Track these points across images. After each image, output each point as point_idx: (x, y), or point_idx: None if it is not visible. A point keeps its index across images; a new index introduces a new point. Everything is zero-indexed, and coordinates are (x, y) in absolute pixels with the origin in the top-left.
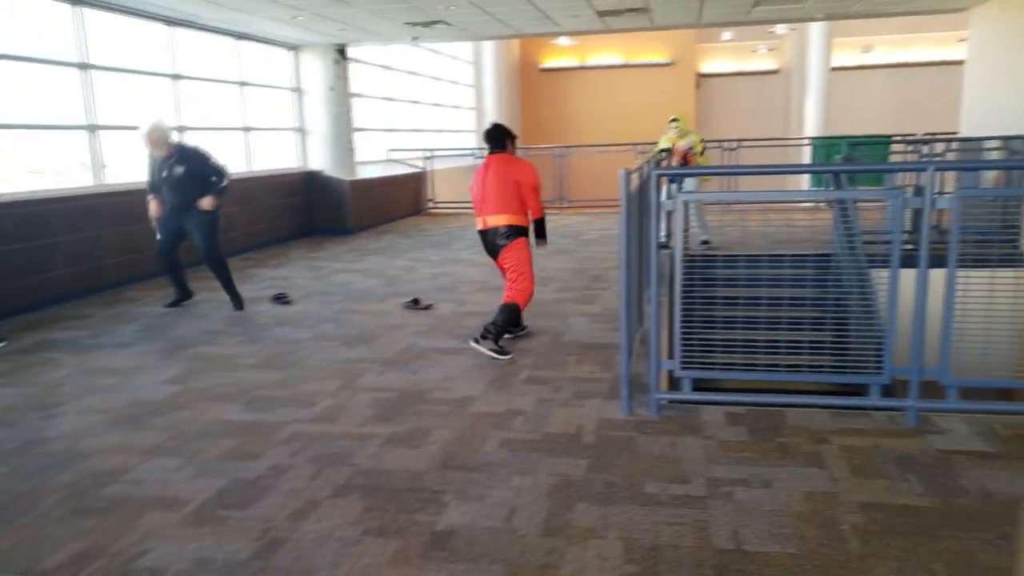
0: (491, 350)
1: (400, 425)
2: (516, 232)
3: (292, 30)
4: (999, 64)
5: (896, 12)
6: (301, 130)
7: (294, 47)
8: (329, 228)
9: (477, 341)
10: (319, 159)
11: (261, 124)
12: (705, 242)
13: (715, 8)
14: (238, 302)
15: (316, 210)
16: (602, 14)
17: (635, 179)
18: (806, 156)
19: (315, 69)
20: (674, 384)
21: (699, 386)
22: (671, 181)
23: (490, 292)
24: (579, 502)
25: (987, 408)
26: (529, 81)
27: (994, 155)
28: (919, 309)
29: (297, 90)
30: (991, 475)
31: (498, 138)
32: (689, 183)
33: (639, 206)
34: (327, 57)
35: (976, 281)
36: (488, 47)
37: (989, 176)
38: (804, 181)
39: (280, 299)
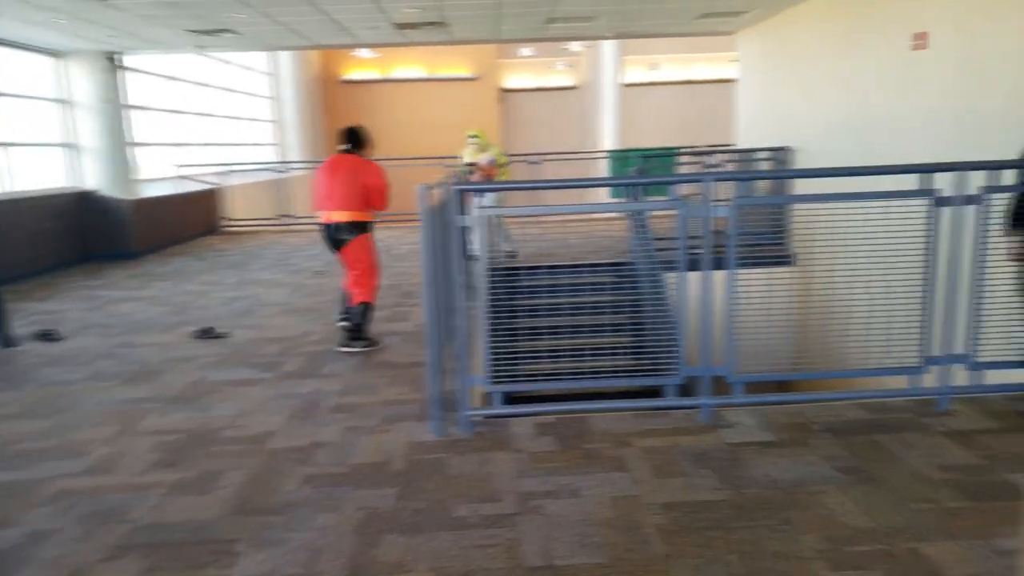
0: (363, 347)
1: (187, 470)
2: (358, 227)
3: (54, 35)
4: (764, 82)
5: (674, 33)
6: (71, 146)
7: (59, 54)
8: (109, 253)
9: (345, 346)
10: (94, 177)
11: (22, 139)
12: (511, 254)
13: (512, 24)
14: (3, 339)
15: (92, 233)
16: (400, 27)
17: (436, 194)
18: (604, 168)
19: (84, 79)
20: (490, 399)
21: (515, 398)
22: (473, 195)
23: (294, 315)
24: (387, 535)
25: (768, 400)
26: (330, 93)
27: (764, 165)
28: (704, 310)
29: (64, 102)
30: (774, 463)
31: (355, 139)
32: (489, 197)
33: (442, 221)
34: (97, 66)
35: (755, 280)
36: (285, 58)
37: (762, 184)
38: (604, 192)
39: (45, 336)
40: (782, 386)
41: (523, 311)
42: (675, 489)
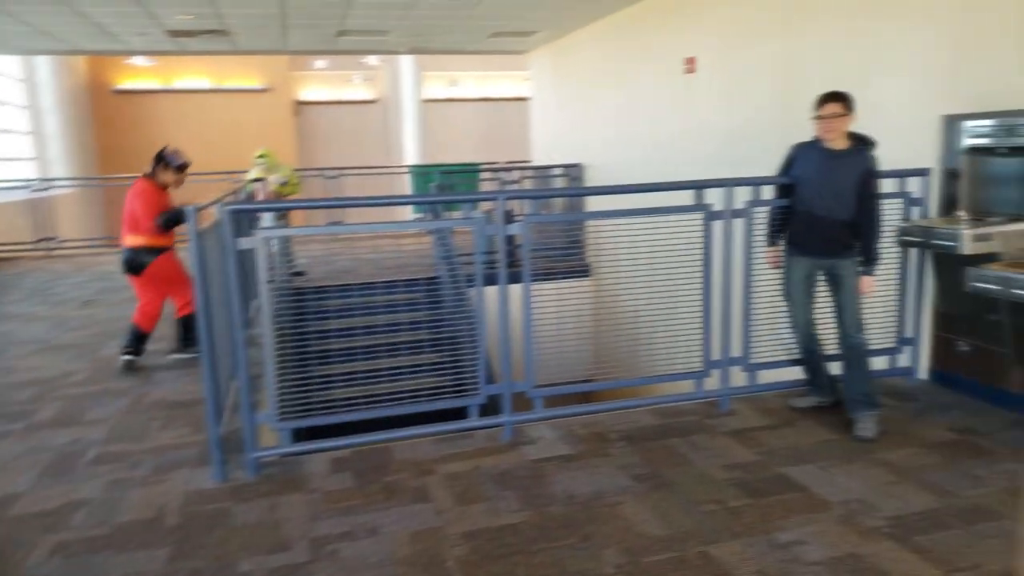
0: (192, 354)
1: None
2: (148, 252)
3: None
4: (555, 101)
5: (469, 51)
6: None
7: None
8: None
9: (179, 352)
10: None
11: None
12: (298, 273)
13: (300, 36)
14: None
15: None
16: (175, 34)
17: (213, 214)
18: (406, 183)
19: None
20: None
21: (311, 432)
22: (251, 215)
23: (53, 353)
24: None
25: (568, 412)
26: (102, 104)
27: (559, 181)
28: (502, 326)
29: None
30: (573, 477)
31: (154, 161)
32: (269, 217)
33: (218, 243)
34: None
35: (552, 293)
36: (43, 63)
37: (559, 198)
38: (408, 206)
39: None
40: (587, 396)
41: (316, 336)
42: (477, 516)
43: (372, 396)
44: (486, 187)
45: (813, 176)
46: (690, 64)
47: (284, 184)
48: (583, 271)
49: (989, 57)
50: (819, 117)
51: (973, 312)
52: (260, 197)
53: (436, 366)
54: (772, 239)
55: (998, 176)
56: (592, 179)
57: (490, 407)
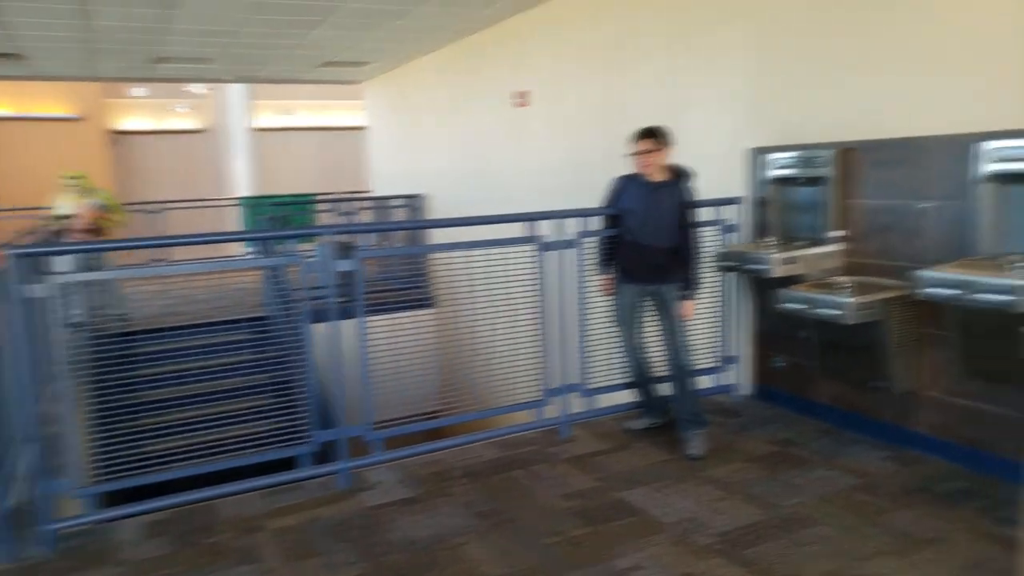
0: None
1: None
2: None
3: None
4: (392, 132)
5: (300, 80)
6: None
7: None
8: None
9: None
10: None
11: None
12: (122, 319)
13: (111, 62)
14: None
15: None
16: None
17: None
18: (238, 216)
19: None
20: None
21: (129, 494)
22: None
23: None
24: None
25: (408, 453)
26: None
27: (400, 212)
28: (335, 366)
29: None
30: (414, 521)
31: None
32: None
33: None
34: None
35: (388, 327)
36: None
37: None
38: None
39: None
40: (434, 434)
41: (130, 387)
42: (309, 573)
43: (194, 450)
44: (323, 219)
45: (637, 207)
46: (522, 98)
47: (103, 208)
48: (427, 302)
49: (789, 95)
50: (634, 153)
51: (786, 330)
52: (79, 229)
53: (264, 412)
54: (603, 267)
55: (800, 204)
56: (433, 210)
57: (327, 453)
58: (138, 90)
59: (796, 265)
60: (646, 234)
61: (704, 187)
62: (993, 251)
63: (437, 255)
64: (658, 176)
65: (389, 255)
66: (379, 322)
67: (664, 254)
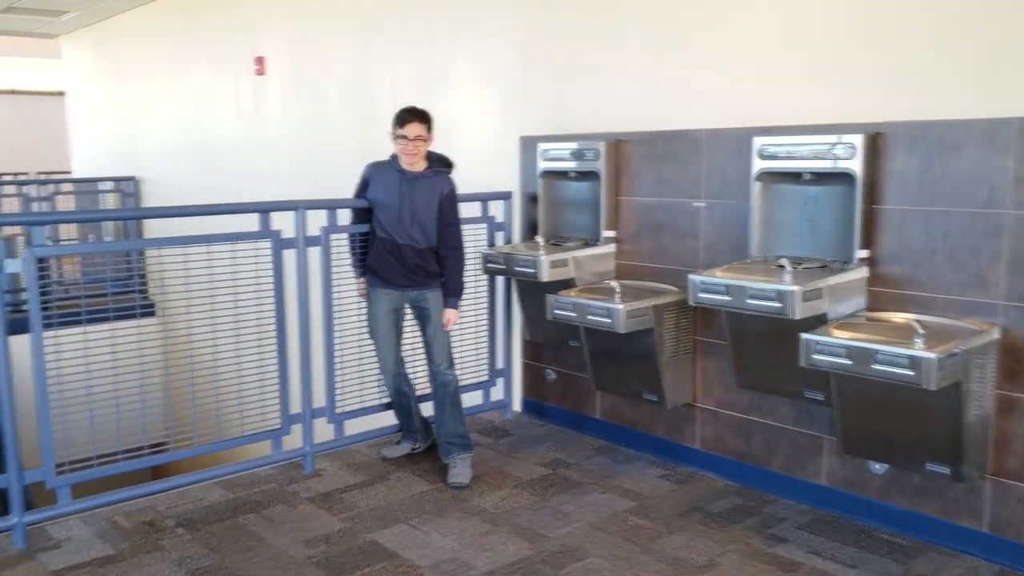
0: None
1: None
2: None
3: None
4: (99, 100)
5: None
6: None
7: None
8: None
9: None
10: None
11: None
12: None
13: None
14: None
15: None
16: None
17: None
18: None
19: None
20: None
21: None
22: None
23: None
24: None
25: (105, 501)
26: None
27: (110, 197)
28: (3, 394)
29: None
30: None
31: None
32: None
33: None
34: None
35: (76, 342)
36: None
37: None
38: None
39: None
40: (151, 473)
41: None
42: None
43: None
44: (7, 204)
45: (391, 201)
46: (259, 64)
47: None
48: (146, 309)
49: (561, 78)
50: (401, 137)
51: (557, 340)
52: None
53: None
54: (357, 269)
55: (571, 200)
56: (151, 195)
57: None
58: None
59: (567, 268)
60: (401, 233)
61: (468, 179)
62: (766, 253)
63: (154, 253)
64: (418, 166)
65: (79, 252)
66: (71, 336)
67: (423, 256)
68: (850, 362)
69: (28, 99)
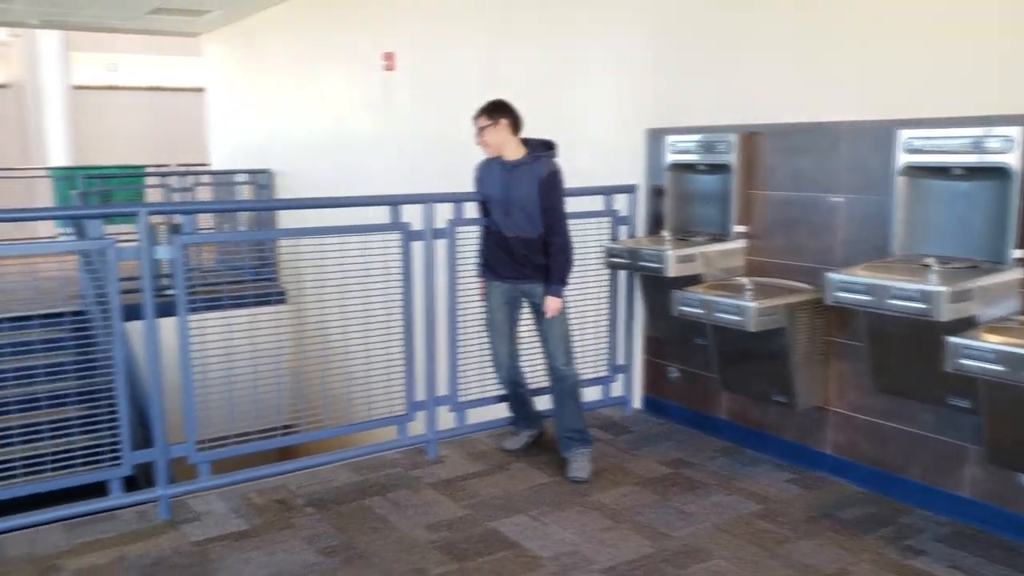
0: None
1: None
2: None
3: None
4: (237, 95)
5: (126, 29)
6: None
7: None
8: None
9: None
10: None
11: None
12: None
13: None
14: None
15: None
16: None
17: None
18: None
19: None
20: None
21: None
22: None
23: None
24: None
25: (242, 478)
26: None
27: (244, 189)
28: (153, 374)
29: None
30: (247, 559)
31: None
32: None
33: None
34: None
35: (218, 326)
36: None
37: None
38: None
39: None
40: (280, 454)
41: None
42: None
43: None
44: (153, 196)
45: (495, 193)
46: (389, 60)
47: None
48: (277, 297)
49: (691, 69)
50: (475, 131)
51: (682, 337)
52: None
53: (66, 427)
54: (477, 265)
55: (700, 194)
56: (284, 188)
57: (143, 478)
58: None
59: (694, 263)
60: (508, 223)
61: (591, 172)
62: (909, 252)
63: (286, 243)
64: (514, 154)
65: (221, 240)
66: (212, 321)
67: (528, 247)
68: (1003, 368)
69: (170, 95)
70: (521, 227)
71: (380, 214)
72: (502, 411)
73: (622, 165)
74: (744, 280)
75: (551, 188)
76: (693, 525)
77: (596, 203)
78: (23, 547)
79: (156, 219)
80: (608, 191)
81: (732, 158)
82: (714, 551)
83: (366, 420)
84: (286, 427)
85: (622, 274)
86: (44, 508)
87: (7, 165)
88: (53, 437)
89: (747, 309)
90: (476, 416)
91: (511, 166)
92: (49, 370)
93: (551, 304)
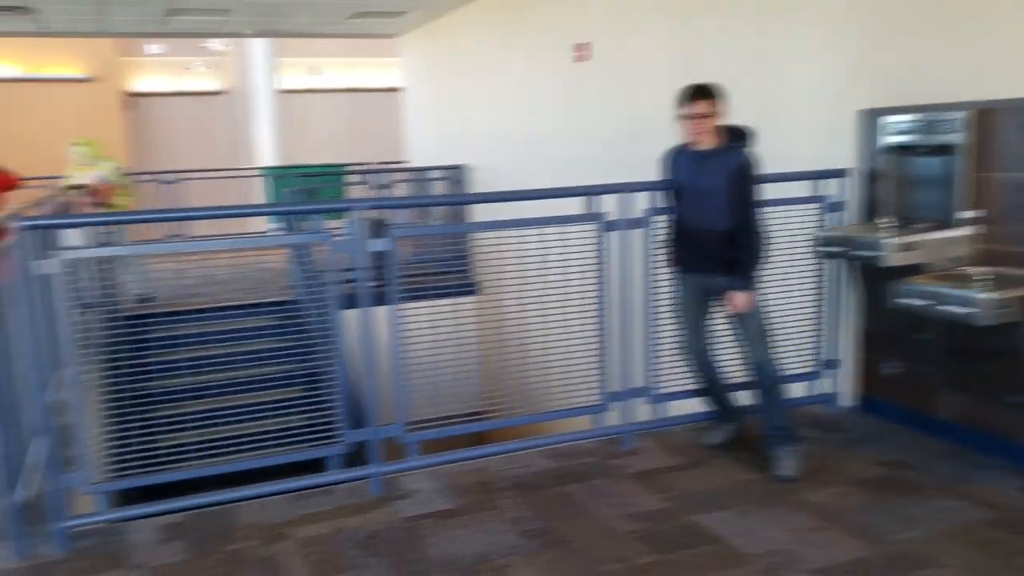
0: None
1: None
2: None
3: None
4: (431, 93)
5: (328, 34)
6: None
7: None
8: None
9: None
10: None
11: None
12: (145, 298)
13: (123, 15)
14: None
15: None
16: None
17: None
18: (259, 188)
19: None
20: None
21: (144, 493)
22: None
23: None
24: None
25: (447, 459)
26: None
27: (439, 184)
28: (367, 360)
29: None
30: (454, 537)
31: None
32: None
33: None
34: None
35: (427, 315)
36: None
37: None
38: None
39: None
40: (475, 438)
41: (146, 376)
42: None
43: (214, 447)
44: (354, 192)
45: (686, 183)
46: (583, 51)
47: (105, 182)
48: (469, 288)
49: (911, 42)
50: (685, 116)
51: (898, 331)
52: (88, 203)
53: (290, 407)
54: (667, 256)
55: (919, 178)
56: (477, 182)
57: (359, 455)
58: (154, 47)
59: (917, 252)
60: (695, 215)
61: (797, 156)
62: None
63: (480, 235)
64: (708, 143)
65: (429, 234)
66: (416, 310)
67: (718, 239)
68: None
69: (366, 96)
70: (710, 219)
71: (575, 206)
72: (700, 405)
73: (829, 148)
74: (973, 270)
75: (744, 180)
76: (915, 530)
77: (801, 189)
78: (254, 515)
79: (358, 214)
80: (817, 176)
81: (959, 138)
82: (940, 558)
83: (563, 408)
84: (476, 413)
85: (834, 264)
86: (271, 480)
87: (221, 166)
88: (279, 416)
89: (979, 301)
90: (674, 409)
91: (703, 155)
92: (269, 354)
93: (738, 299)
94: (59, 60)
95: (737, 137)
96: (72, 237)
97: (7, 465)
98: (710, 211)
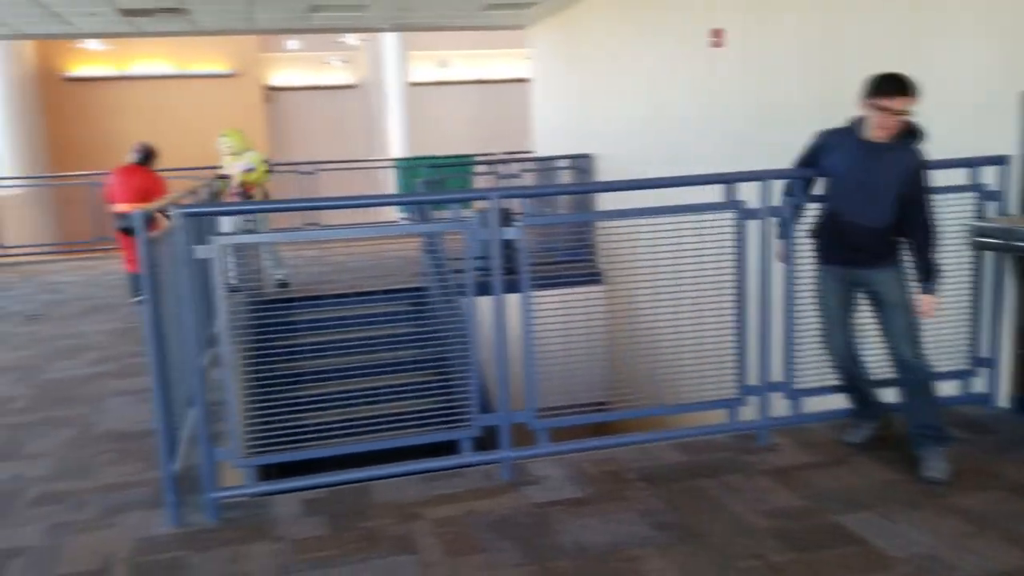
0: None
1: None
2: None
3: None
4: (559, 82)
5: (459, 26)
6: None
7: None
8: None
9: None
10: None
11: None
12: (283, 284)
13: (268, 12)
14: None
15: None
16: (128, 13)
17: (163, 219)
18: (391, 178)
19: None
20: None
21: (284, 468)
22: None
23: None
24: None
25: (577, 448)
26: (53, 93)
27: (565, 174)
28: (498, 344)
29: None
30: (583, 524)
31: (148, 154)
32: (232, 220)
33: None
34: None
35: (556, 304)
36: None
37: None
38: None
39: None
40: (600, 427)
41: (289, 357)
42: (471, 571)
43: (351, 426)
44: (481, 182)
45: (845, 173)
46: (717, 37)
47: (250, 171)
48: (594, 277)
49: None
50: (885, 109)
51: None
52: (234, 193)
53: (422, 391)
54: (785, 232)
55: None
56: (603, 171)
57: (487, 440)
58: (292, 43)
59: None
60: (851, 208)
61: (949, 142)
62: None
63: (605, 224)
64: (885, 137)
65: (557, 223)
66: (545, 298)
67: (871, 234)
68: None
69: (493, 87)
70: (872, 214)
71: (707, 194)
72: (841, 401)
73: (987, 134)
74: None
75: (919, 179)
76: None
77: (956, 176)
78: (390, 494)
79: (481, 204)
80: (973, 163)
81: None
82: None
83: (697, 401)
84: (601, 403)
85: (989, 256)
86: (404, 461)
87: (355, 155)
88: (412, 398)
89: None
90: (812, 405)
91: (876, 148)
92: (401, 339)
93: (927, 303)
94: (206, 57)
95: (909, 134)
96: (226, 224)
97: (165, 439)
98: (873, 206)
